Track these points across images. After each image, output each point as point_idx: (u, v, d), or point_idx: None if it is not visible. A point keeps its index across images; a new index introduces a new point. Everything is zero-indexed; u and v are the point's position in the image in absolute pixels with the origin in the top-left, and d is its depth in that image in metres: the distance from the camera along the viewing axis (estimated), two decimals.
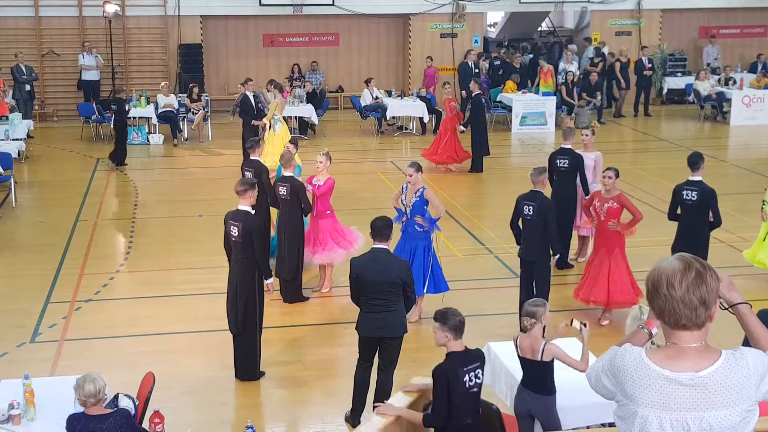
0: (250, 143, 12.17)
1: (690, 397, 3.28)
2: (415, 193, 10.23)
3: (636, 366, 3.37)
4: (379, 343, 7.87)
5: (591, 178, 12.09)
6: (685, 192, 10.33)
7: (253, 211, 8.87)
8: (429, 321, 10.32)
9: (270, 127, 17.56)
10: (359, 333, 7.92)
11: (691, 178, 10.37)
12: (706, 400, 3.27)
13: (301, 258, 11.08)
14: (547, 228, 9.67)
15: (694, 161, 10.39)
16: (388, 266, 7.70)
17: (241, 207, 8.84)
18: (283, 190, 10.96)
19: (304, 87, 22.37)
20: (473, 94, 18.31)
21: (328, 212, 11.31)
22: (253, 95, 18.86)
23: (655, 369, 3.33)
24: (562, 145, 12.18)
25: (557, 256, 9.94)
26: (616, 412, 3.50)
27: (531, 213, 9.69)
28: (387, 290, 7.67)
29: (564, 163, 11.96)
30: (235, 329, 8.89)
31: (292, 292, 11.10)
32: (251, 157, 11.95)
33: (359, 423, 7.92)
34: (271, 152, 16.99)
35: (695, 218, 10.33)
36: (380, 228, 7.83)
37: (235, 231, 8.73)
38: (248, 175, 11.70)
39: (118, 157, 18.79)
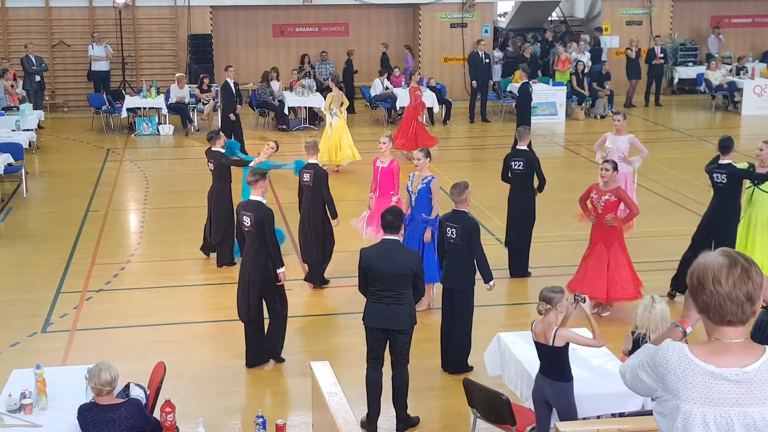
0: (209, 135, 12.13)
1: (734, 392, 3.26)
2: (423, 179, 10.20)
3: (679, 361, 3.35)
4: (387, 336, 7.76)
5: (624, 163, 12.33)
6: (715, 174, 10.39)
7: (264, 201, 8.95)
8: (435, 311, 10.34)
9: (330, 121, 17.29)
10: (366, 324, 7.81)
11: (721, 161, 10.43)
12: (750, 395, 3.26)
13: (329, 246, 11.23)
14: (473, 253, 8.70)
15: (726, 145, 10.44)
16: (399, 258, 7.65)
17: (253, 197, 8.91)
18: (306, 177, 11.02)
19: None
20: (521, 83, 18.47)
21: (392, 192, 11.28)
22: (234, 83, 18.86)
23: (700, 364, 3.31)
24: (518, 147, 11.77)
25: (492, 283, 8.91)
26: (656, 408, 3.48)
27: (454, 236, 8.72)
28: (397, 282, 7.61)
29: (519, 165, 11.49)
30: (246, 318, 8.94)
31: (318, 278, 11.28)
32: (213, 149, 11.92)
33: (376, 429, 7.82)
34: (326, 147, 16.92)
35: (726, 201, 10.38)
36: (391, 220, 7.80)
37: (247, 221, 8.81)
38: (210, 166, 11.92)
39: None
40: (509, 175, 11.62)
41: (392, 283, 7.62)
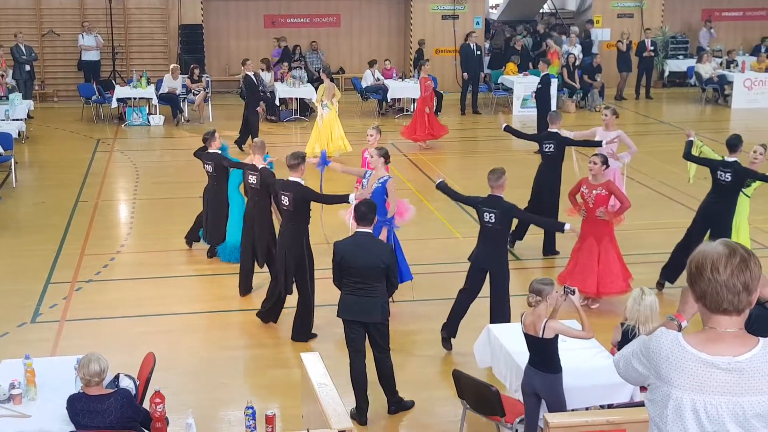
0: (205, 136, 11.88)
1: (726, 381, 3.29)
2: (378, 179, 9.98)
3: (672, 348, 3.39)
4: (363, 329, 7.81)
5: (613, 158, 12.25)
6: (719, 172, 10.35)
7: (303, 182, 9.31)
8: (425, 303, 10.36)
9: (321, 113, 17.23)
10: (340, 316, 7.88)
11: (727, 159, 10.38)
12: (741, 385, 3.29)
13: (273, 245, 10.42)
14: (529, 223, 9.07)
15: (733, 143, 10.40)
16: (372, 250, 7.69)
17: (292, 178, 9.29)
18: (252, 179, 10.47)
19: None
20: (542, 74, 18.65)
21: None
22: (254, 74, 18.78)
23: (692, 352, 3.34)
24: (549, 129, 12.09)
25: (568, 226, 9.02)
26: (647, 396, 3.52)
27: (493, 221, 8.83)
28: (370, 274, 7.65)
29: (550, 147, 11.83)
30: (284, 293, 9.54)
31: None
32: (209, 151, 11.69)
33: (366, 420, 7.87)
34: (318, 139, 16.90)
35: (726, 198, 10.35)
36: (364, 212, 7.80)
37: (286, 200, 9.22)
38: (208, 168, 11.71)
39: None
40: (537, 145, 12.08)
41: (365, 275, 7.65)
